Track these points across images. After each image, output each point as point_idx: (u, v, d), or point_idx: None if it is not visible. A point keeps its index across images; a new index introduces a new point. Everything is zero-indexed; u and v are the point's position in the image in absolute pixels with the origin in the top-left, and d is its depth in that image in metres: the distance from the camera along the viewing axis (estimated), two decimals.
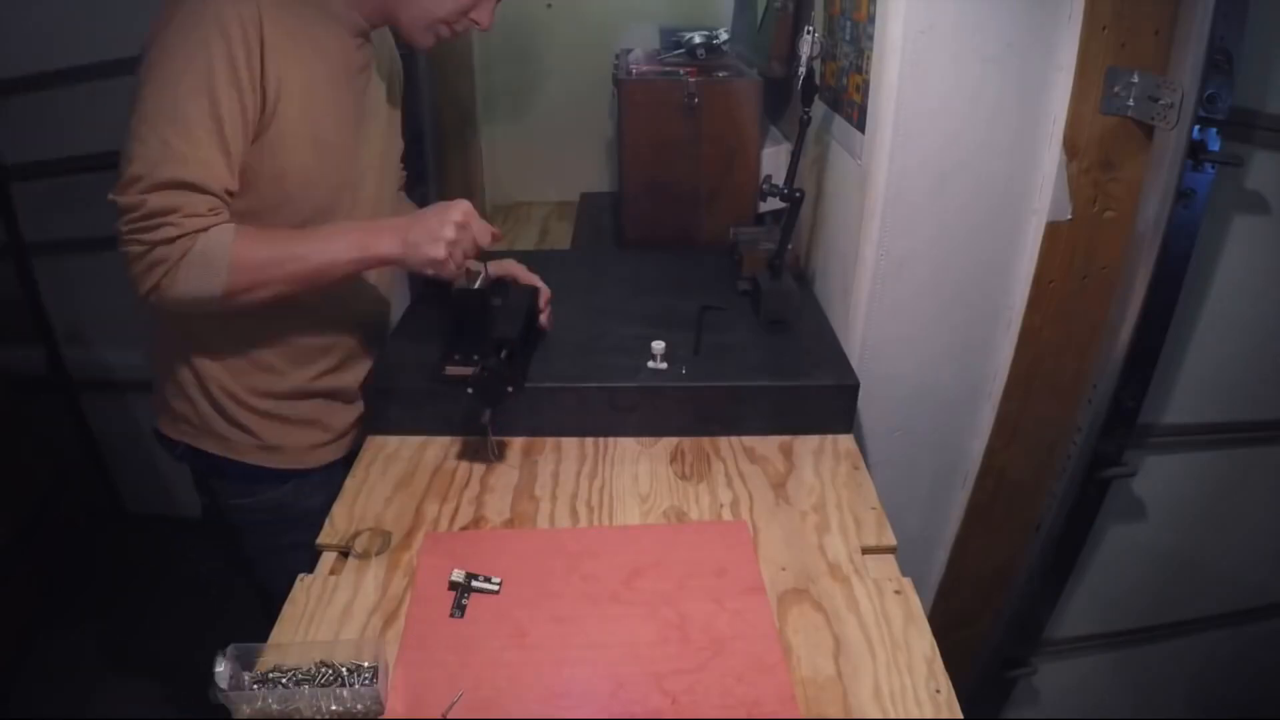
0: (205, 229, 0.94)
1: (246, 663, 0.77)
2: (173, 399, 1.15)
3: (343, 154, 1.09)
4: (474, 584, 0.89)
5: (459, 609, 0.86)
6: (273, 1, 0.95)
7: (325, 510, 1.02)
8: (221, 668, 0.74)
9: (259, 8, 0.93)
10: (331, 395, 1.20)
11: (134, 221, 0.91)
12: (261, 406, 1.14)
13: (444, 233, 1.02)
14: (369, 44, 1.12)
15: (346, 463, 1.16)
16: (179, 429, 1.16)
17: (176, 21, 0.92)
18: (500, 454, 1.11)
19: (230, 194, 0.97)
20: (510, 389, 1.05)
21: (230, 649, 0.75)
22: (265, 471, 1.17)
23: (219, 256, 0.94)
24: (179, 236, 0.92)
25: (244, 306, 0.99)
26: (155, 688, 1.90)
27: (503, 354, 1.05)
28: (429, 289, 1.40)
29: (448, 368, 1.10)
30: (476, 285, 1.12)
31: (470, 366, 1.06)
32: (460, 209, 1.04)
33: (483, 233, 1.06)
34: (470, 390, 1.03)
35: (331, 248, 1.02)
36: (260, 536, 1.22)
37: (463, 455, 1.11)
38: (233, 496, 1.20)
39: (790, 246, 1.31)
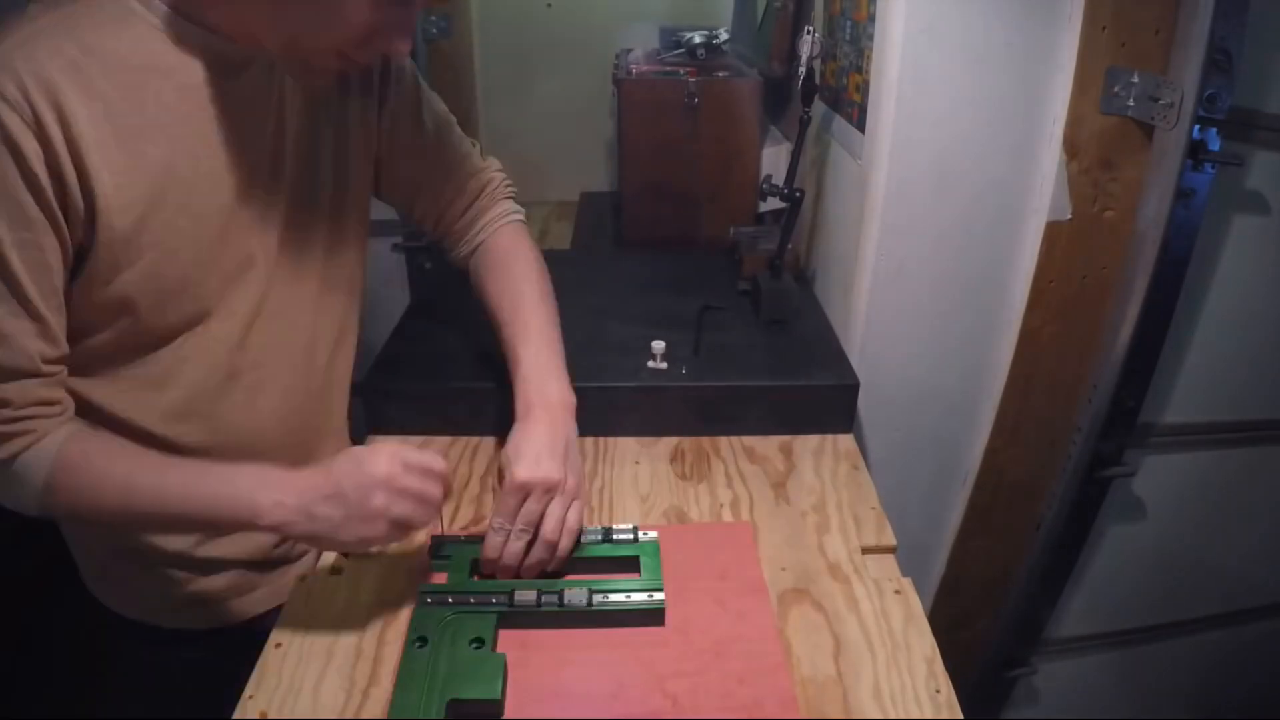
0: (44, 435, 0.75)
1: None
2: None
3: (225, 230, 0.83)
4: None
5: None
6: (71, 86, 0.69)
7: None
8: None
9: (35, 108, 0.67)
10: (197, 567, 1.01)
11: None
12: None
13: (373, 503, 0.75)
14: (268, 73, 0.83)
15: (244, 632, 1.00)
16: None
17: None
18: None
19: (58, 359, 0.77)
20: None
21: None
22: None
23: (33, 476, 0.75)
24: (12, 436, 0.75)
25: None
26: (153, 688, 1.90)
27: None
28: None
29: None
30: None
31: None
32: (384, 463, 0.76)
33: (426, 478, 0.78)
34: None
35: (173, 504, 0.78)
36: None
37: (463, 455, 1.11)
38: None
39: (790, 246, 1.31)
